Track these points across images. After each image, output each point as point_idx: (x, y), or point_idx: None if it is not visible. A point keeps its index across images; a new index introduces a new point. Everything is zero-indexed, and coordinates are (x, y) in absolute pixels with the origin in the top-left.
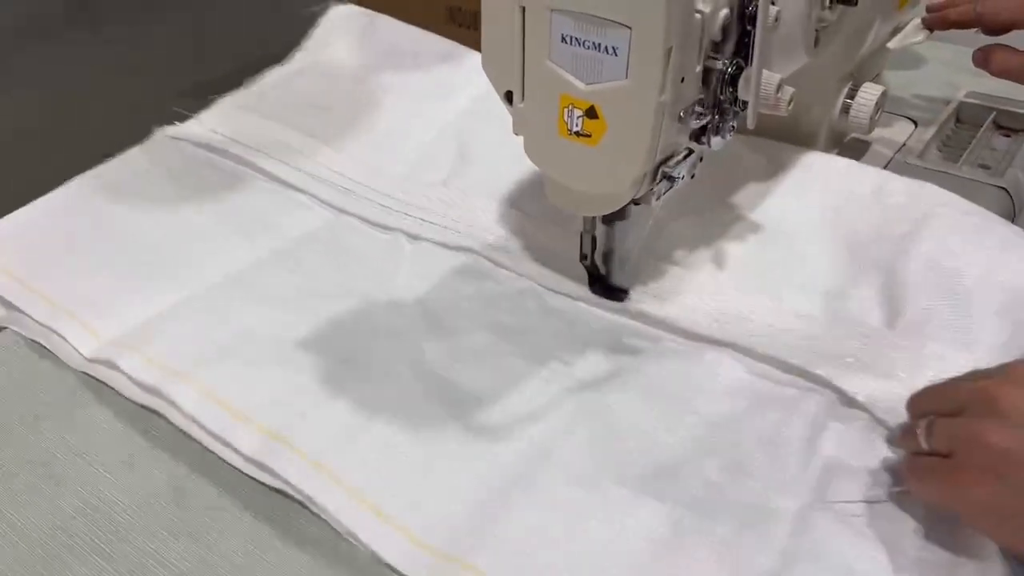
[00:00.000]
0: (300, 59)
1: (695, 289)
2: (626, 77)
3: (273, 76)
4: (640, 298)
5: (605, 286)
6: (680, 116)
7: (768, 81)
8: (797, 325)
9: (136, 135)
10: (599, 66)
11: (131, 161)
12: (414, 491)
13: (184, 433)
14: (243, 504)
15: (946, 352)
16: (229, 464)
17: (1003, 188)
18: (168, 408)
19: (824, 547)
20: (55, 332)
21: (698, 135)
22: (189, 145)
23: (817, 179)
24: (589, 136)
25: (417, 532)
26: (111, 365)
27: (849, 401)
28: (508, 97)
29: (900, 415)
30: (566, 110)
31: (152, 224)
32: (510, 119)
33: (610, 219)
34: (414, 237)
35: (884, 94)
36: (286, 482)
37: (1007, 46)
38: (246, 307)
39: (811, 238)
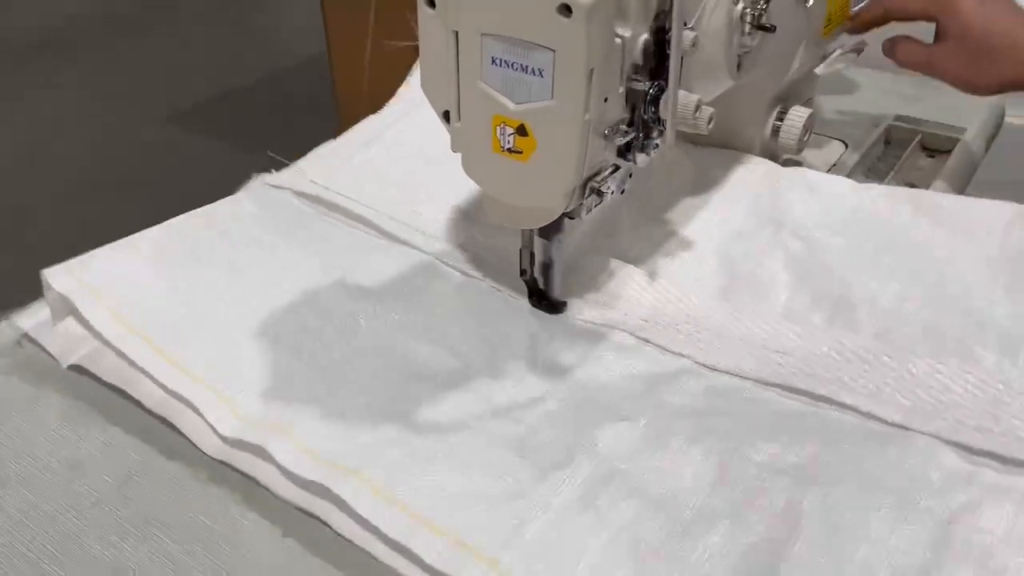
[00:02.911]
0: (393, 108)
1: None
2: (552, 97)
3: (363, 126)
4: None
5: (544, 299)
6: (605, 134)
7: (686, 101)
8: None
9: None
10: (527, 87)
11: (240, 209)
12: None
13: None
14: (194, 497)
15: None
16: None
17: None
18: (329, 510)
19: None
20: (190, 404)
21: (623, 152)
22: (292, 195)
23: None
24: (520, 153)
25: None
26: (259, 452)
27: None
28: (446, 116)
29: None
30: (498, 128)
31: (266, 279)
32: None
33: (545, 232)
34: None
35: (812, 116)
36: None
37: (913, 38)
38: (388, 380)
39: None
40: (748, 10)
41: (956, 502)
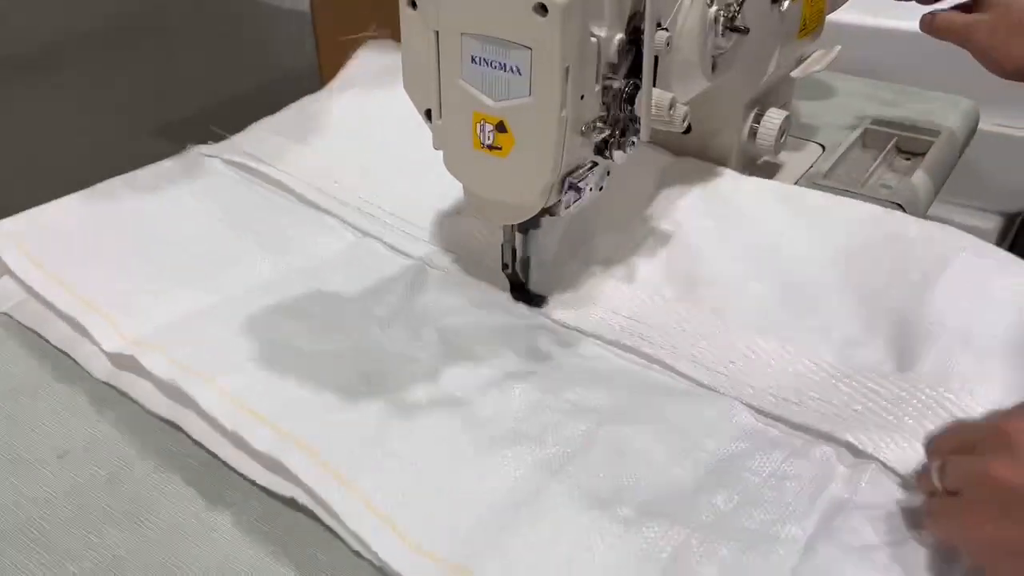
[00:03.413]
0: (334, 87)
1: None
2: (529, 94)
3: (305, 102)
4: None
5: (525, 293)
6: (582, 131)
7: (660, 99)
8: (808, 373)
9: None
10: (506, 84)
11: (163, 171)
12: (423, 501)
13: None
14: (181, 483)
15: (959, 399)
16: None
17: (898, 204)
18: (185, 413)
19: (828, 570)
20: (78, 324)
21: (601, 149)
22: (219, 162)
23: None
24: (500, 149)
25: (423, 541)
26: (133, 362)
27: (857, 451)
28: (428, 115)
29: (909, 461)
30: (479, 125)
31: (180, 232)
32: None
33: (525, 228)
34: (433, 265)
35: (788, 119)
36: (298, 482)
37: (953, 10)
38: (269, 319)
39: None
40: (721, 12)
41: (736, 448)
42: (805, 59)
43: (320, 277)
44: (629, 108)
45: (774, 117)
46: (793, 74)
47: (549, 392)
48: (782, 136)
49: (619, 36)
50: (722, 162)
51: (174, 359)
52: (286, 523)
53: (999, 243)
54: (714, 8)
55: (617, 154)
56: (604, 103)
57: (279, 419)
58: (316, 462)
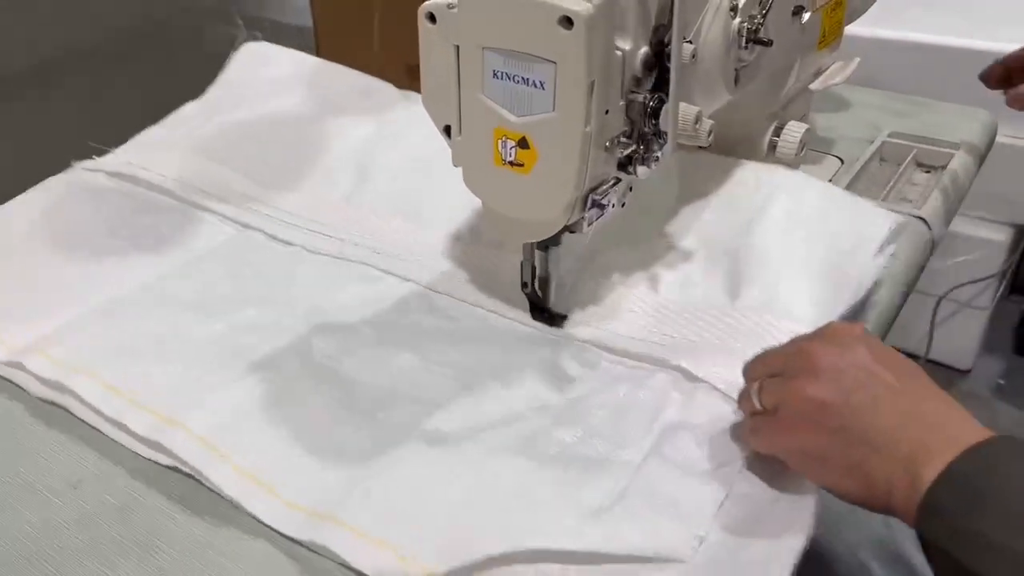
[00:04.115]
0: (212, 93)
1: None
2: (553, 109)
3: (185, 109)
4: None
5: (545, 312)
6: (606, 146)
7: (686, 113)
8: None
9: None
10: (528, 99)
11: (49, 188)
12: (291, 461)
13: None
14: (189, 518)
15: (779, 322)
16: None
17: (920, 218)
18: (73, 404)
19: (656, 486)
20: None
21: (624, 165)
22: (103, 175)
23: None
24: (522, 165)
25: (291, 496)
26: (19, 367)
27: (691, 376)
28: (447, 131)
29: (737, 383)
30: (500, 141)
31: (64, 247)
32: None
33: (545, 246)
34: (312, 251)
35: (808, 131)
36: (176, 458)
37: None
38: (147, 312)
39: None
40: (745, 24)
41: (587, 388)
42: (823, 71)
43: (200, 269)
44: (653, 123)
45: (795, 130)
46: (812, 86)
47: (419, 354)
48: (802, 150)
49: (644, 49)
50: None
51: (55, 360)
52: (301, 553)
53: (1010, 255)
54: (738, 20)
55: (641, 169)
56: (628, 118)
57: (159, 407)
58: (191, 436)
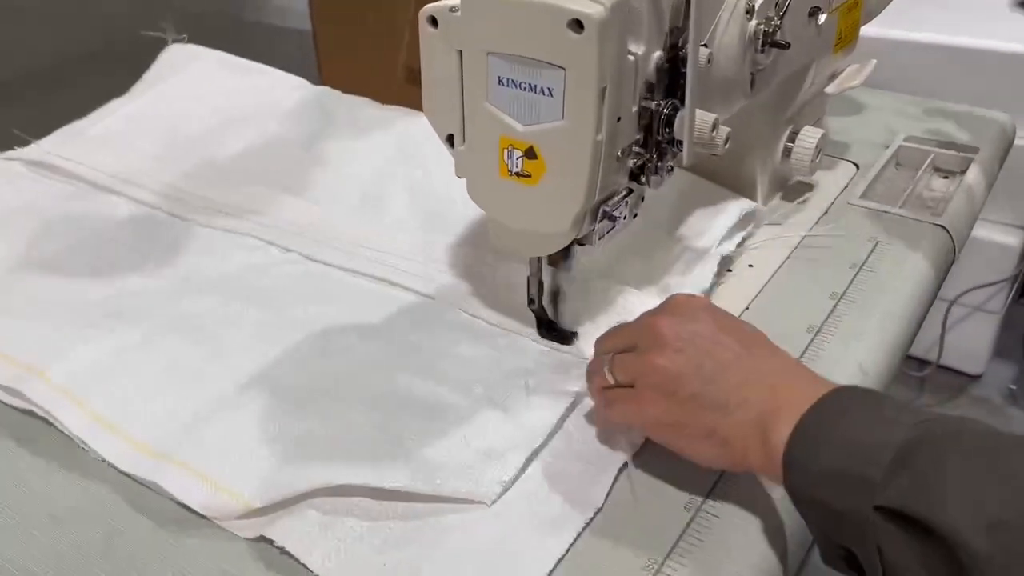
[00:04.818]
0: (137, 91)
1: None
2: (562, 117)
3: (111, 104)
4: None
5: (554, 329)
6: (618, 156)
7: (703, 120)
8: None
9: None
10: (536, 107)
11: None
12: (143, 406)
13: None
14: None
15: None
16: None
17: (942, 226)
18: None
19: (483, 431)
20: None
21: (636, 175)
22: (19, 164)
23: None
24: (529, 176)
25: (139, 437)
26: None
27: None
28: (450, 140)
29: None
30: (506, 151)
31: None
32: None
33: (555, 260)
34: (203, 226)
35: (824, 137)
36: (31, 402)
37: None
38: (37, 281)
39: None
40: (762, 26)
41: (449, 344)
42: (839, 74)
43: (102, 248)
44: (667, 131)
45: (810, 135)
46: (828, 90)
47: (277, 312)
48: (818, 155)
49: (657, 53)
50: (752, 183)
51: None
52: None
53: (1022, 259)
54: (754, 22)
55: (654, 179)
56: (641, 125)
57: (23, 357)
58: (50, 387)
